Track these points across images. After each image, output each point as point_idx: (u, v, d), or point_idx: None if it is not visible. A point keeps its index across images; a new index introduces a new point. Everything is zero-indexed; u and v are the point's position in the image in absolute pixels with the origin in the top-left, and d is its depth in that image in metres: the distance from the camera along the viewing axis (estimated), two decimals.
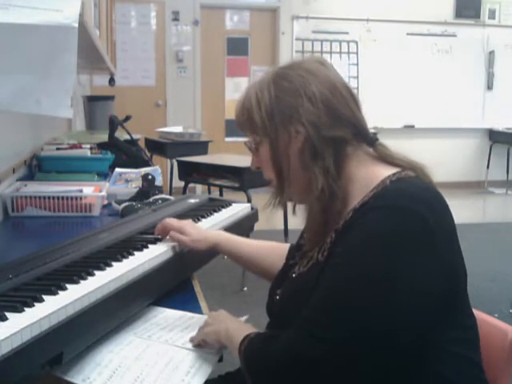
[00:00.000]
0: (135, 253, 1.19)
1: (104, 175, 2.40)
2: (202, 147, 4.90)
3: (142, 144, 3.91)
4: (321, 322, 0.86)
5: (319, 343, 0.85)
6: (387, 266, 0.84)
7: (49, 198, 1.84)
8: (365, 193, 0.93)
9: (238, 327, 1.02)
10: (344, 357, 0.85)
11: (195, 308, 1.19)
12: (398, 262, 0.84)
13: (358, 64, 6.90)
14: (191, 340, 1.03)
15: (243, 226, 1.66)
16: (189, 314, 1.16)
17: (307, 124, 0.97)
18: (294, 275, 1.04)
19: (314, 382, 0.88)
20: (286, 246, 1.27)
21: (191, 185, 4.24)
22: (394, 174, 0.94)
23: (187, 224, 1.32)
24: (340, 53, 6.86)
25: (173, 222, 1.31)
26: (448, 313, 0.90)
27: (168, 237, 1.29)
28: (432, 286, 0.87)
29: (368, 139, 1.02)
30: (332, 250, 0.94)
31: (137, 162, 2.70)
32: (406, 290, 0.84)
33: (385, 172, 0.95)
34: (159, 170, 2.29)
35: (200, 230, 1.34)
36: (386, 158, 1.00)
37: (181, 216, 1.55)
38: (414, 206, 0.86)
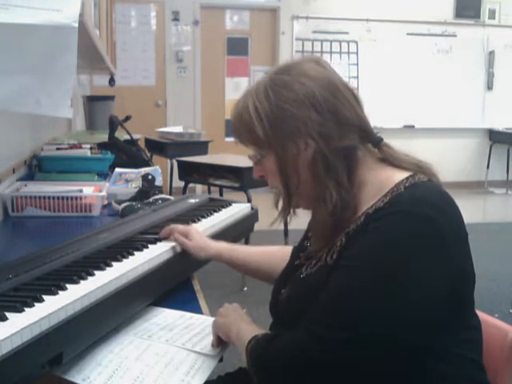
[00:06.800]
0: (135, 253, 1.19)
1: (104, 175, 2.40)
2: (201, 147, 4.90)
3: (142, 144, 3.91)
4: (330, 324, 0.86)
5: (327, 344, 0.85)
6: (401, 271, 0.85)
7: (49, 198, 1.84)
8: (377, 197, 0.93)
9: (249, 329, 1.02)
10: (352, 358, 0.85)
11: (195, 308, 1.19)
12: (411, 267, 0.85)
13: (357, 64, 6.89)
14: (213, 345, 1.03)
15: (243, 226, 1.66)
16: (189, 314, 1.16)
17: (317, 136, 0.94)
18: (301, 276, 1.02)
19: (319, 382, 0.88)
20: (288, 249, 1.26)
21: (191, 185, 4.24)
22: (407, 179, 0.93)
23: (193, 229, 1.33)
24: (340, 53, 6.86)
25: (179, 226, 1.33)
26: (455, 316, 0.91)
27: (172, 238, 1.30)
28: (444, 291, 0.87)
29: (373, 139, 1.01)
30: (342, 253, 0.93)
31: (137, 162, 2.71)
32: (418, 295, 0.85)
33: (396, 176, 0.95)
34: (159, 170, 2.29)
35: (204, 238, 1.33)
36: (392, 159, 0.99)
37: (181, 216, 1.56)
38: (429, 211, 0.87)
